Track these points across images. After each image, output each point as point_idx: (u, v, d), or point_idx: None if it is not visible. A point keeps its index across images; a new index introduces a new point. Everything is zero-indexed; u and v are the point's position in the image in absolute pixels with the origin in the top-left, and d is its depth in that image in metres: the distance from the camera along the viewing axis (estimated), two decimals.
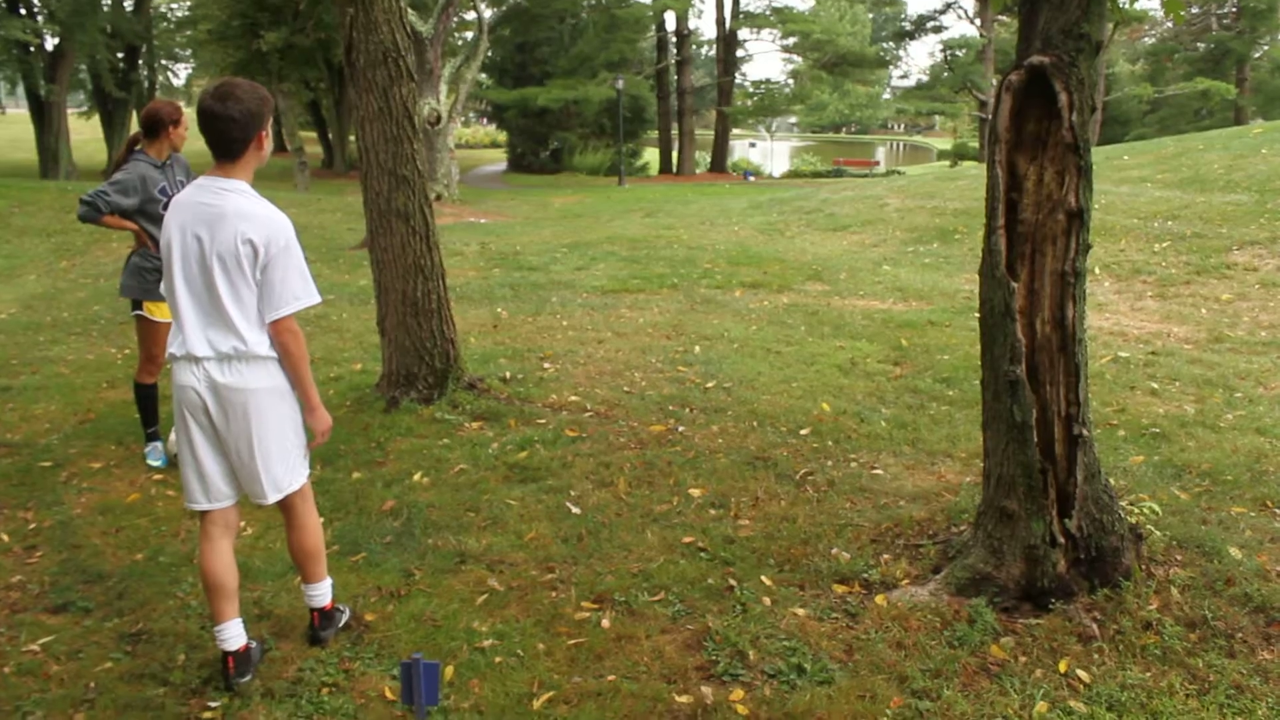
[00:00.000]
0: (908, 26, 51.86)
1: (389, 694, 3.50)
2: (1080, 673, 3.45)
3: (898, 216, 15.26)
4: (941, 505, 4.71)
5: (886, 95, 78.25)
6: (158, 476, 5.68)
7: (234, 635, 3.59)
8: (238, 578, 3.68)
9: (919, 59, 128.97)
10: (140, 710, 3.48)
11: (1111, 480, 4.24)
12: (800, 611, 3.89)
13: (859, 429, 5.86)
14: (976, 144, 51.28)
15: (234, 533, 3.72)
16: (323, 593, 3.88)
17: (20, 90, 37.95)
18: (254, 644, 3.69)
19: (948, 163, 48.24)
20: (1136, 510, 4.29)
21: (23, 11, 33.65)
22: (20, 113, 43.15)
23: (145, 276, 5.69)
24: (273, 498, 3.60)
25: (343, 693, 3.54)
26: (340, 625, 3.94)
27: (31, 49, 34.00)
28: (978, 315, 3.99)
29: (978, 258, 3.97)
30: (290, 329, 3.46)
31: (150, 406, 5.95)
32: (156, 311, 5.70)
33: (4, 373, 8.22)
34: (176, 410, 3.58)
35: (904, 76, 66.54)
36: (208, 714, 3.44)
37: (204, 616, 4.07)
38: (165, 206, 5.34)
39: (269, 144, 3.54)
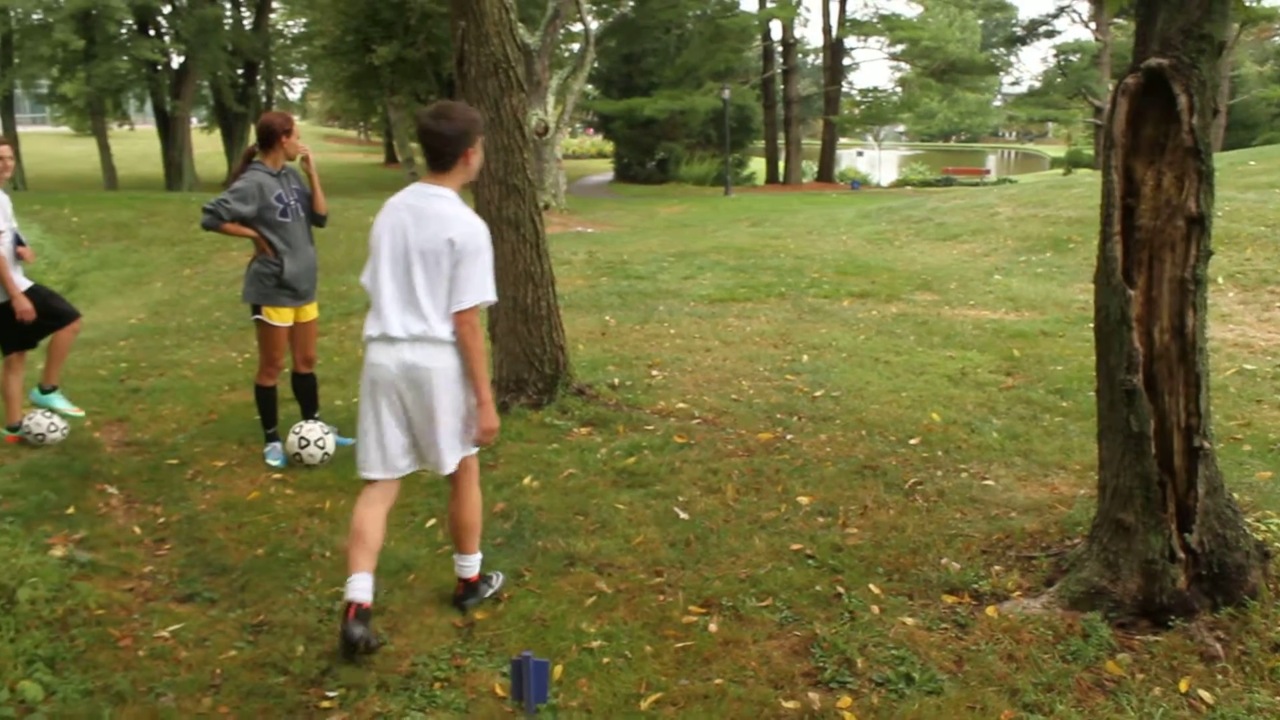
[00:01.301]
0: (1019, 31, 50.84)
1: (499, 690, 3.58)
2: (1203, 693, 3.36)
3: (1009, 225, 15.00)
4: (1055, 517, 4.63)
5: (997, 102, 76.78)
6: (277, 476, 5.87)
7: (362, 587, 3.84)
8: (381, 540, 4.02)
9: (1031, 65, 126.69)
10: (262, 697, 3.61)
11: (1236, 496, 4.12)
12: (909, 621, 3.87)
13: (969, 439, 5.80)
14: (1091, 151, 50.05)
15: (391, 504, 4.11)
16: (472, 564, 4.22)
17: (148, 107, 39.48)
18: (372, 638, 3.82)
19: (1061, 170, 47.15)
20: (1263, 527, 4.18)
21: (152, 32, 35.05)
22: (148, 129, 44.85)
23: (264, 282, 5.88)
24: (450, 467, 4.00)
25: (454, 688, 3.63)
26: (484, 597, 4.24)
27: (159, 67, 35.39)
28: (1093, 325, 3.92)
29: (1093, 267, 3.91)
30: (470, 321, 3.87)
31: (270, 408, 6.16)
32: (275, 316, 5.90)
33: (134, 375, 8.57)
34: (366, 387, 4.01)
35: (1015, 83, 65.17)
36: (325, 703, 3.56)
37: (322, 610, 4.21)
38: (282, 213, 5.79)
39: (477, 159, 3.99)
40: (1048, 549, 4.31)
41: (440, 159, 3.90)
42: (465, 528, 4.17)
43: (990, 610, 3.89)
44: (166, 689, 3.66)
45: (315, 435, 5.97)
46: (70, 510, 5.40)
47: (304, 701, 3.58)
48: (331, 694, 3.61)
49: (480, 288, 3.86)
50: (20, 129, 40.60)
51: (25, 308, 6.21)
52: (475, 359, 3.91)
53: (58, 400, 6.44)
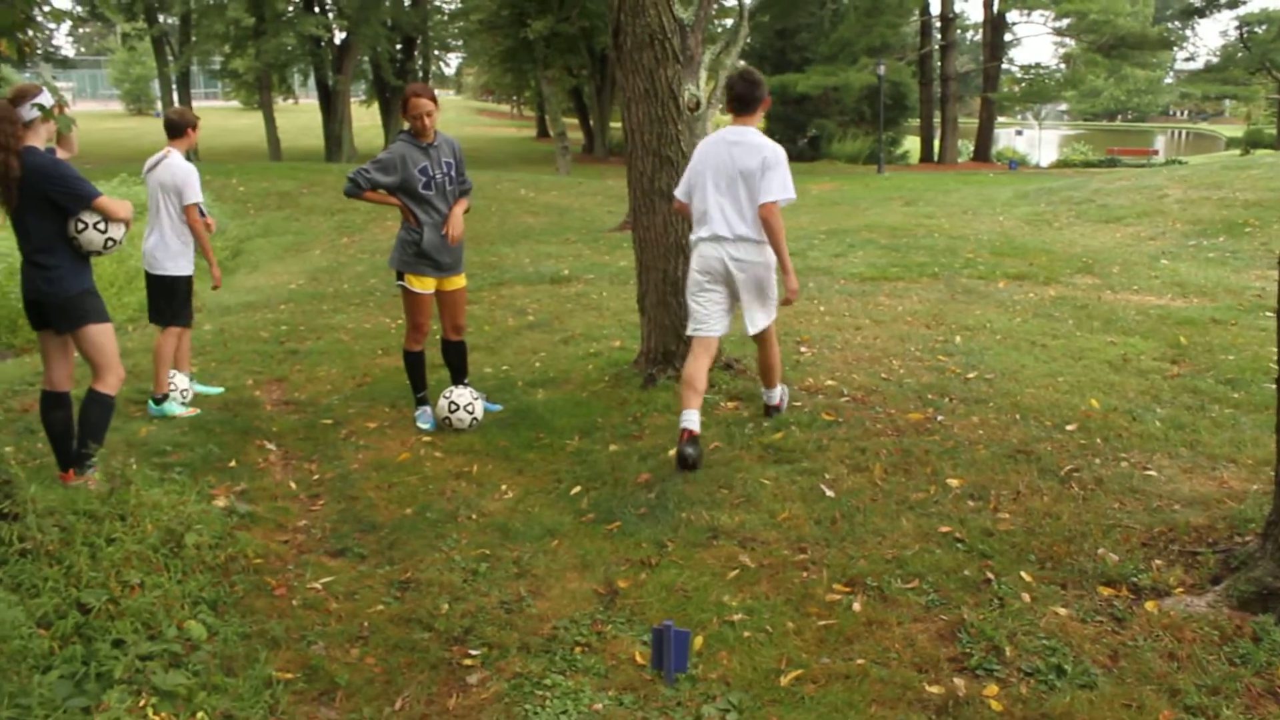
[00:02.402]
0: (1197, 3, 48.05)
1: (639, 658, 3.59)
2: None
3: (1178, 208, 14.33)
4: (1223, 512, 4.40)
5: (1169, 79, 73.45)
6: (426, 439, 6.01)
7: (692, 419, 5.18)
8: (705, 386, 5.44)
9: (1209, 38, 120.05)
10: (407, 651, 3.70)
11: None
12: (1062, 611, 3.73)
13: (1130, 428, 5.55)
14: (1274, 130, 47.39)
15: (711, 358, 5.55)
16: (774, 395, 5.82)
17: (311, 82, 40.81)
18: (699, 458, 5.14)
19: (1238, 151, 44.80)
20: None
21: (317, 9, 36.22)
22: (310, 102, 46.41)
23: (405, 250, 5.99)
24: (760, 328, 5.54)
25: (595, 653, 3.65)
26: (781, 409, 5.83)
27: (322, 43, 36.55)
28: (1271, 313, 3.69)
29: (1272, 253, 3.69)
30: (774, 211, 5.26)
31: (419, 373, 6.29)
32: (416, 283, 6.00)
33: (293, 338, 8.89)
34: (694, 273, 5.49)
35: (1190, 58, 61.55)
36: (468, 661, 3.63)
37: (466, 571, 4.30)
38: (425, 185, 5.90)
39: (765, 109, 5.51)
40: (1215, 545, 4.10)
41: (747, 105, 5.39)
42: (771, 369, 5.74)
43: (1150, 605, 3.72)
44: (317, 638, 3.79)
45: (465, 400, 6.08)
46: (232, 463, 5.63)
47: (447, 658, 3.65)
48: (474, 653, 3.67)
49: (782, 187, 5.23)
50: (194, 103, 42.43)
51: (217, 274, 7.14)
52: (780, 240, 5.30)
53: (171, 408, 6.57)
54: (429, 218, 5.93)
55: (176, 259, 6.65)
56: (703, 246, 5.42)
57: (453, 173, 6.01)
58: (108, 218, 4.84)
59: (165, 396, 6.55)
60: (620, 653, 3.64)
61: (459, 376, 6.43)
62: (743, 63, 42.02)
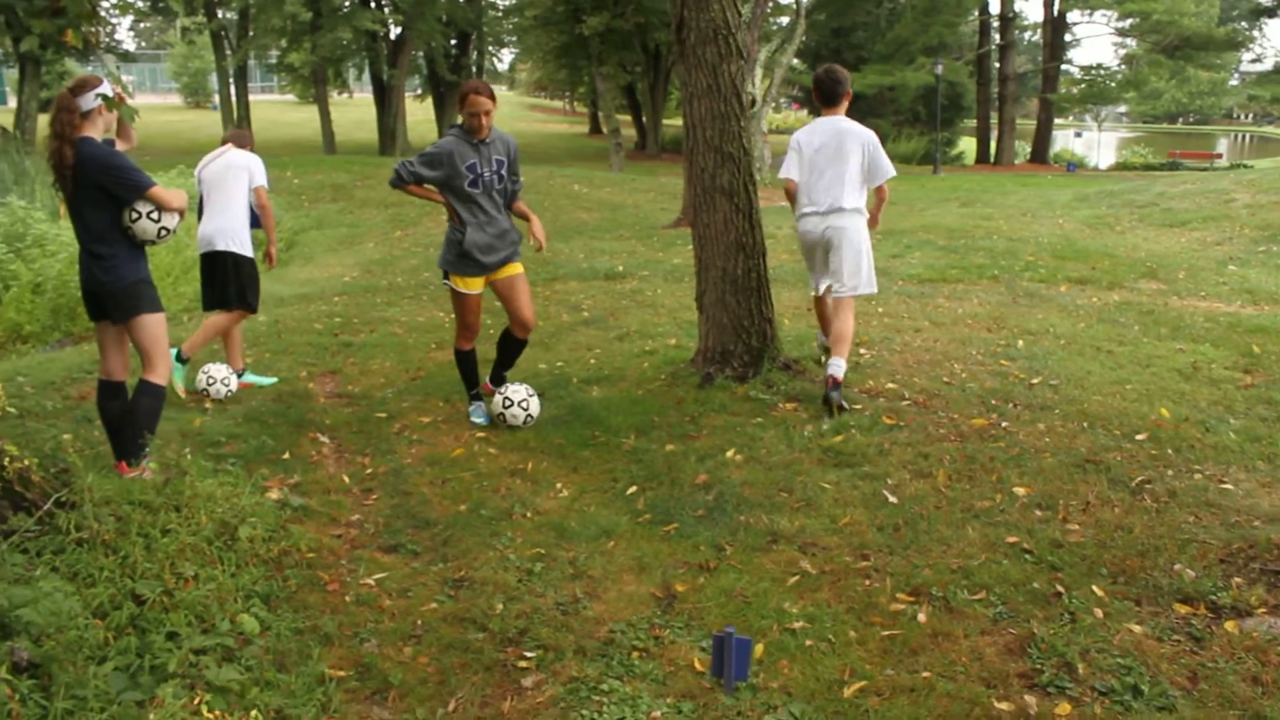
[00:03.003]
0: (1267, 2, 46.89)
1: (698, 665, 3.50)
2: None
3: (1247, 213, 13.99)
4: None
5: (1234, 81, 72.00)
6: (480, 434, 5.95)
7: (838, 367, 5.85)
8: (850, 332, 6.20)
9: (1277, 39, 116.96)
10: (461, 651, 3.64)
11: None
12: (1136, 628, 3.60)
13: (1203, 439, 5.38)
14: None
15: (836, 305, 6.32)
16: (839, 366, 5.88)
17: (366, 76, 41.08)
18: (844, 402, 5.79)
19: None
20: None
21: (373, 4, 36.49)
22: (365, 96, 46.81)
23: (450, 249, 5.92)
24: (856, 291, 6.28)
25: (652, 658, 3.57)
26: (839, 383, 5.86)
27: (378, 38, 36.79)
28: None
29: None
30: (885, 187, 6.35)
31: (470, 371, 6.26)
32: (460, 284, 5.92)
33: (346, 330, 8.89)
34: (804, 244, 6.53)
35: (1257, 60, 59.93)
36: (523, 663, 3.56)
37: (521, 570, 4.24)
38: (471, 183, 5.76)
39: (848, 101, 6.38)
40: None
41: (833, 97, 6.29)
42: (842, 339, 6.11)
43: (1230, 625, 3.58)
44: (370, 635, 3.74)
45: (520, 396, 6.02)
46: (286, 456, 5.62)
47: (501, 660, 3.59)
48: (529, 654, 3.61)
49: (888, 168, 6.24)
50: (251, 96, 42.86)
51: (274, 254, 7.38)
52: (880, 212, 6.50)
53: (176, 375, 6.56)
54: (473, 217, 5.80)
55: (245, 240, 6.81)
56: (806, 220, 6.35)
57: (503, 171, 5.86)
58: (161, 207, 4.84)
59: (188, 360, 6.70)
60: (678, 659, 3.56)
61: (501, 366, 6.39)
62: (797, 60, 41.83)
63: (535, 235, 5.98)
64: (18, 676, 2.89)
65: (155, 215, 4.83)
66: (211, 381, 6.65)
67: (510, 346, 6.35)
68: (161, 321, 5.03)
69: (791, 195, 6.45)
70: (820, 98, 6.32)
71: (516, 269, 6.08)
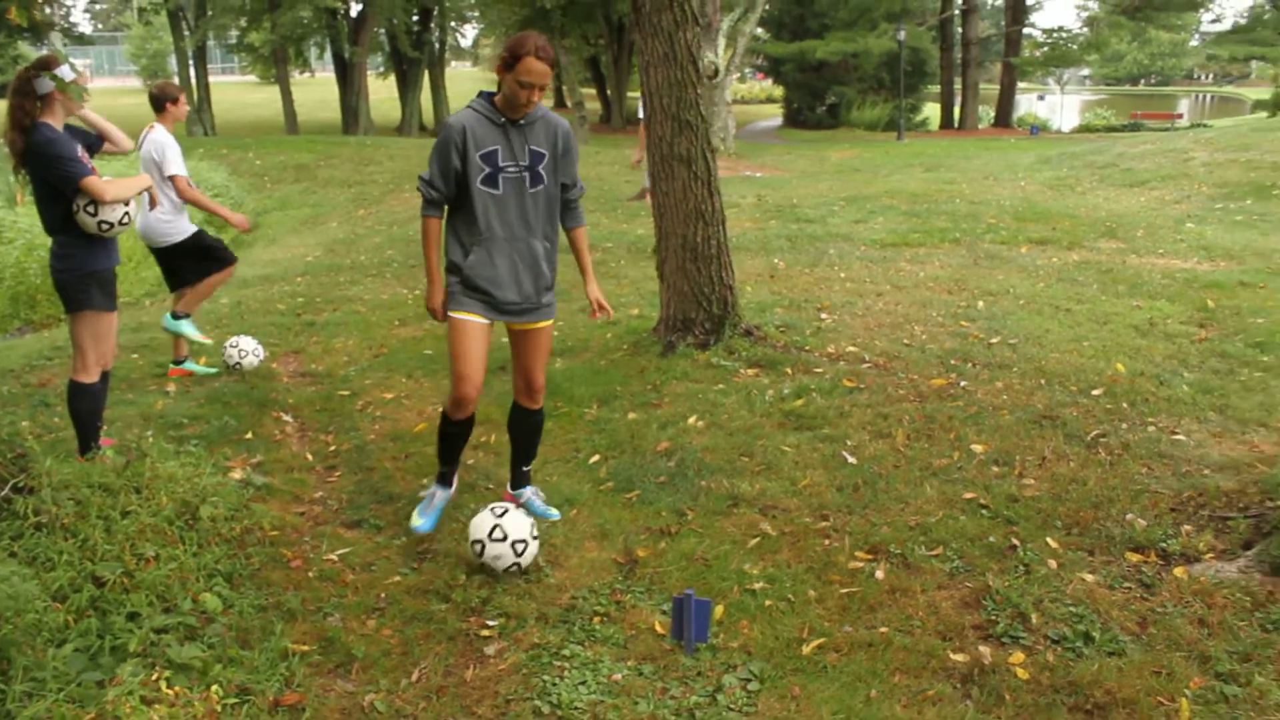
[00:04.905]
0: None
1: (659, 628, 3.54)
2: None
3: (1204, 171, 14.12)
4: (1254, 477, 4.31)
5: (1194, 42, 72.33)
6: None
7: None
8: None
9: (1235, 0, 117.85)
10: (424, 623, 3.66)
11: None
12: (1089, 577, 3.67)
13: (1157, 392, 5.46)
14: None
15: None
16: None
17: (328, 55, 40.69)
18: None
19: (1265, 113, 44.07)
20: None
21: None
22: (327, 75, 46.36)
23: (450, 273, 4.25)
24: None
25: (613, 623, 3.61)
26: None
27: (339, 16, 36.42)
28: None
29: None
30: None
31: (453, 446, 4.52)
32: (457, 309, 4.23)
33: (309, 310, 8.85)
34: None
35: (1216, 20, 60.51)
36: (485, 632, 3.59)
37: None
38: (486, 178, 4.01)
39: None
40: (1246, 510, 4.02)
41: None
42: None
43: (1179, 571, 3.65)
44: (334, 609, 3.75)
45: (518, 534, 3.94)
46: (249, 436, 5.60)
47: (464, 629, 3.61)
48: (491, 623, 3.63)
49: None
50: (211, 78, 42.32)
51: (239, 219, 6.86)
52: None
53: (186, 326, 6.57)
54: (485, 229, 4.07)
55: (175, 224, 6.43)
56: None
57: (543, 168, 4.09)
58: (97, 200, 4.56)
59: (188, 316, 6.61)
60: (639, 622, 3.60)
61: (522, 458, 4.59)
62: (760, 29, 41.69)
63: (592, 298, 4.41)
64: None
65: (91, 209, 4.57)
66: (244, 354, 6.67)
67: (523, 428, 4.54)
68: (108, 321, 4.82)
69: None
70: None
71: (545, 323, 4.34)
